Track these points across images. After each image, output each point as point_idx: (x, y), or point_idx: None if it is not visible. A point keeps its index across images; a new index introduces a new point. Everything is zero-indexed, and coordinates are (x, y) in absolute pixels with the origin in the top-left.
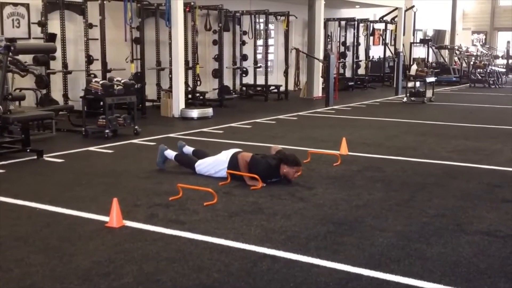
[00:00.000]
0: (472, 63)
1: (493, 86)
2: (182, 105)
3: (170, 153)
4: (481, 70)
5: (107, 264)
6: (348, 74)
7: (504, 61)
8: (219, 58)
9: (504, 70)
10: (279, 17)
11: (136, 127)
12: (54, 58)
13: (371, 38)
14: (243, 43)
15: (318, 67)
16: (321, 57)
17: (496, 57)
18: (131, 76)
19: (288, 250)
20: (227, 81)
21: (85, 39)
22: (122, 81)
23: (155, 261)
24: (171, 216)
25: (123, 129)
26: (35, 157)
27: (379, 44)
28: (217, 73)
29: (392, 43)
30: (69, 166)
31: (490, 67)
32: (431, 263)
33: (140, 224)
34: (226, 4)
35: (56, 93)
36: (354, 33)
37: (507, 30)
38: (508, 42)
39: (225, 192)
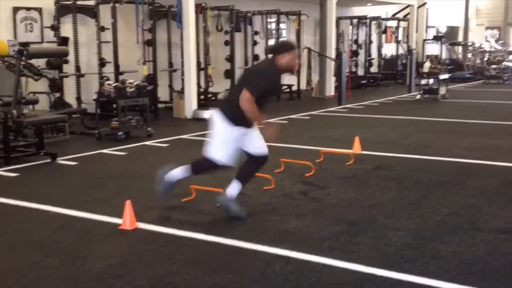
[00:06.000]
0: (486, 59)
1: (507, 82)
2: (194, 106)
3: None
4: (495, 66)
5: (120, 267)
6: (360, 72)
7: None
8: (231, 59)
9: None
10: (290, 16)
11: (149, 129)
12: (67, 62)
13: (384, 35)
14: (254, 43)
15: (330, 66)
16: (333, 55)
17: (510, 52)
18: (143, 78)
19: (302, 250)
20: None
21: (98, 42)
22: (135, 83)
23: (168, 263)
24: (184, 218)
25: (136, 131)
26: (49, 160)
27: (391, 42)
28: (229, 74)
29: (405, 40)
30: (82, 169)
31: (504, 63)
32: (446, 262)
33: (153, 226)
34: (237, 4)
35: (70, 96)
36: (366, 31)
37: None
38: None
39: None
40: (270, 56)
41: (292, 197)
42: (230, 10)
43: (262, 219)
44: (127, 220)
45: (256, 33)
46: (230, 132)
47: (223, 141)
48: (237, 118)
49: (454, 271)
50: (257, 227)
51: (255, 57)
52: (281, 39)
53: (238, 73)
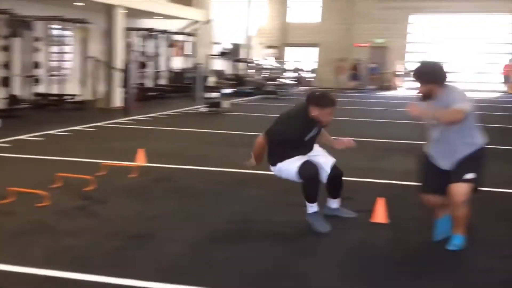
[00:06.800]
0: (265, 76)
1: (282, 98)
2: None
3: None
4: (273, 82)
5: None
6: (149, 84)
7: (294, 74)
8: (8, 66)
9: (293, 82)
10: (75, 24)
11: None
12: None
13: (172, 49)
14: (36, 50)
15: (118, 76)
16: (121, 66)
17: (286, 70)
18: None
19: (75, 270)
20: (18, 90)
21: None
22: None
23: None
24: None
25: None
26: None
27: (180, 55)
28: (6, 82)
29: (193, 54)
30: None
31: (280, 79)
32: (220, 270)
33: None
34: (17, 8)
35: None
36: (155, 43)
37: (295, 45)
38: (297, 57)
39: (7, 212)
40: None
41: (68, 214)
42: (8, 13)
43: (32, 239)
44: None
45: (37, 39)
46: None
47: (290, 163)
48: (279, 156)
49: (227, 278)
50: (26, 248)
51: (36, 64)
52: (323, 92)
53: (17, 80)
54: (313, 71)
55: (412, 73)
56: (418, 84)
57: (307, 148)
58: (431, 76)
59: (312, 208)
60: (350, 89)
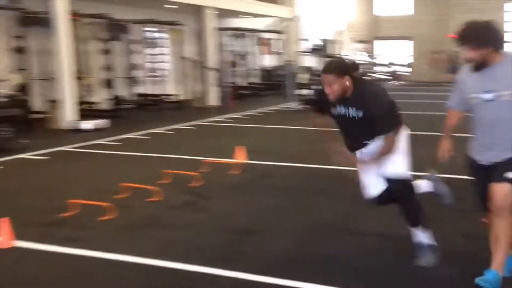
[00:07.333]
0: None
1: None
2: (73, 116)
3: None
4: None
5: None
6: (242, 82)
7: (387, 69)
8: (110, 68)
9: (387, 77)
10: (169, 26)
11: (24, 140)
12: None
13: (263, 47)
14: (136, 52)
15: (213, 76)
16: (214, 66)
17: (377, 64)
18: (16, 87)
19: (187, 261)
20: (121, 91)
21: None
22: (6, 93)
23: (46, 282)
24: (65, 234)
25: (9, 143)
26: None
27: (270, 53)
28: (110, 83)
29: (283, 52)
30: None
31: (371, 74)
32: (326, 265)
33: (32, 244)
34: (116, 13)
35: None
36: (246, 42)
37: (387, 39)
38: (392, 50)
39: (122, 206)
40: None
41: (178, 208)
42: (107, 18)
43: (146, 232)
44: (4, 239)
45: (136, 42)
46: None
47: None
48: None
49: (335, 274)
50: (141, 240)
51: (137, 66)
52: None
53: (119, 82)
54: (409, 65)
55: (459, 34)
56: (465, 49)
57: (347, 130)
58: (488, 37)
59: (416, 235)
60: (448, 82)
